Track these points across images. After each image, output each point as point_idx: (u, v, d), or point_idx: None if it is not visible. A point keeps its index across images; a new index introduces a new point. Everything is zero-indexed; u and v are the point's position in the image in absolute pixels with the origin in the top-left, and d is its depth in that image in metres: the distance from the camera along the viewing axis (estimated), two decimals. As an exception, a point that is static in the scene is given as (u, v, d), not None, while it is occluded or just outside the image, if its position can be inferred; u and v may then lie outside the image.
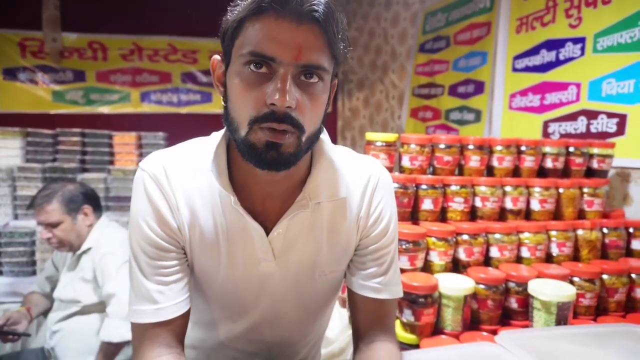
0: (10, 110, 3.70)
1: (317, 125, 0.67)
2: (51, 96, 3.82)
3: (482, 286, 1.18)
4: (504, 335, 0.99)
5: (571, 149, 1.53)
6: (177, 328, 0.72)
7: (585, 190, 1.47)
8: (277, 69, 0.61)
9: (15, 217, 2.63)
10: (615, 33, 1.72)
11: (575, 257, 1.40)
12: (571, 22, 1.93)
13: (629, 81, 1.67)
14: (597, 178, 1.54)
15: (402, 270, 1.18)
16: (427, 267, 1.28)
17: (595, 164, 1.56)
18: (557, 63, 2.00)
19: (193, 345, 0.89)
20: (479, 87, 2.50)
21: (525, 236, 1.34)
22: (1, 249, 2.44)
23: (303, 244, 0.76)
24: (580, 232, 1.40)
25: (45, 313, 1.96)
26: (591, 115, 1.82)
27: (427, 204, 1.35)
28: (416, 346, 1.11)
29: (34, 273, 2.46)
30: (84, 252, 1.83)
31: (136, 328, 0.71)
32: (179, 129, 3.63)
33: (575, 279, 1.25)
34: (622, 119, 1.69)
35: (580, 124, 1.86)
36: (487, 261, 1.34)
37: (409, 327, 1.14)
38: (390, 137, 1.38)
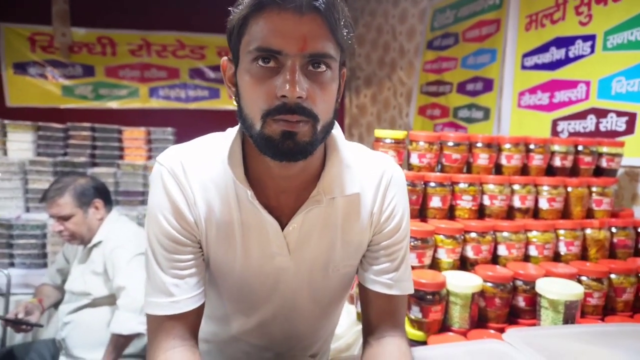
0: (20, 105, 3.74)
1: (330, 113, 0.68)
2: (60, 91, 3.85)
3: (489, 284, 1.19)
4: (512, 333, 1.00)
5: (580, 148, 1.52)
6: (191, 321, 0.74)
7: (594, 189, 1.47)
8: (285, 62, 0.62)
9: (27, 209, 2.66)
10: (626, 31, 1.71)
11: (584, 256, 1.40)
12: (581, 19, 1.92)
13: (639, 79, 1.66)
14: (606, 177, 1.54)
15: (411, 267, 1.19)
16: (435, 265, 1.29)
17: (604, 163, 1.56)
18: (567, 61, 1.99)
19: (206, 339, 0.91)
20: (488, 85, 2.49)
21: (533, 235, 1.35)
22: (13, 241, 2.47)
23: (317, 239, 0.77)
24: (588, 231, 1.40)
25: (56, 305, 1.99)
26: (600, 113, 1.81)
27: (435, 202, 1.35)
28: (423, 343, 1.12)
29: (45, 265, 2.50)
30: (95, 245, 1.86)
31: (152, 320, 0.73)
32: (187, 124, 3.65)
33: (583, 278, 1.25)
34: (631, 118, 1.68)
35: (590, 123, 1.86)
36: (494, 259, 1.34)
37: (416, 323, 1.15)
38: (399, 134, 1.39)
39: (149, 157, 3.00)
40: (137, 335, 1.75)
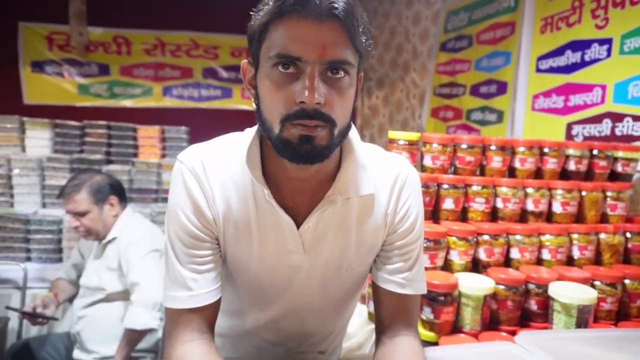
0: (37, 102, 3.81)
1: (348, 118, 0.70)
2: (76, 89, 3.91)
3: (502, 287, 1.19)
4: (524, 335, 1.00)
5: (595, 152, 1.51)
6: (208, 315, 0.75)
7: (609, 193, 1.46)
8: (304, 68, 0.63)
9: (44, 205, 2.72)
10: (644, 35, 1.70)
11: (597, 260, 1.39)
12: (597, 22, 1.90)
13: (657, 84, 1.64)
14: (621, 182, 1.52)
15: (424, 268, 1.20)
16: (447, 266, 1.29)
17: (619, 168, 1.54)
18: (583, 64, 1.97)
19: (220, 333, 0.92)
20: (502, 88, 2.48)
21: (547, 238, 1.34)
22: (30, 236, 2.53)
23: (332, 238, 0.78)
24: (602, 235, 1.39)
25: (70, 299, 2.03)
26: (616, 117, 1.79)
27: (448, 204, 1.36)
28: (435, 344, 1.13)
29: (60, 260, 2.54)
30: (110, 241, 1.89)
31: (170, 313, 0.75)
32: (200, 123, 3.69)
33: (597, 282, 1.24)
34: (648, 123, 1.67)
35: (605, 127, 1.84)
36: (507, 262, 1.34)
37: (428, 324, 1.15)
38: (413, 136, 1.40)
39: (163, 156, 3.04)
40: (150, 331, 1.78)
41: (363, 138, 0.83)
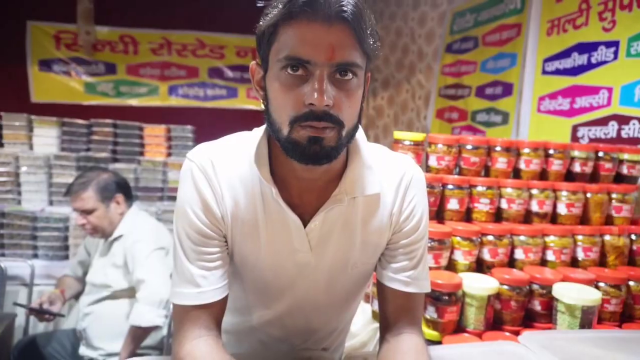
0: (44, 100, 3.84)
1: (355, 119, 0.71)
2: (83, 87, 3.94)
3: (505, 287, 1.19)
4: (527, 335, 1.00)
5: (600, 154, 1.51)
6: (216, 312, 0.76)
7: (614, 195, 1.46)
8: (313, 70, 0.64)
9: (51, 203, 2.74)
10: (651, 37, 1.70)
11: (602, 262, 1.40)
12: (605, 25, 1.90)
13: (664, 87, 1.64)
14: (627, 184, 1.52)
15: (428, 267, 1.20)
16: (451, 266, 1.30)
17: (625, 170, 1.54)
18: (589, 67, 1.97)
19: (225, 330, 0.93)
20: (508, 89, 2.48)
21: (551, 239, 1.35)
22: (37, 233, 2.55)
23: (338, 237, 0.79)
24: (607, 237, 1.39)
25: (77, 296, 2.05)
26: (623, 120, 1.79)
27: (452, 204, 1.36)
28: (438, 343, 1.13)
29: (66, 257, 2.56)
30: (116, 239, 1.91)
31: (178, 309, 0.76)
32: (205, 122, 3.71)
33: (601, 284, 1.25)
34: (654, 125, 1.67)
35: (611, 129, 1.84)
36: (511, 263, 1.35)
37: (431, 323, 1.16)
38: (418, 136, 1.40)
39: (169, 154, 3.06)
40: (155, 328, 1.80)
41: (368, 138, 0.84)
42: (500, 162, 1.43)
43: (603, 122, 1.88)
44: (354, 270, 0.83)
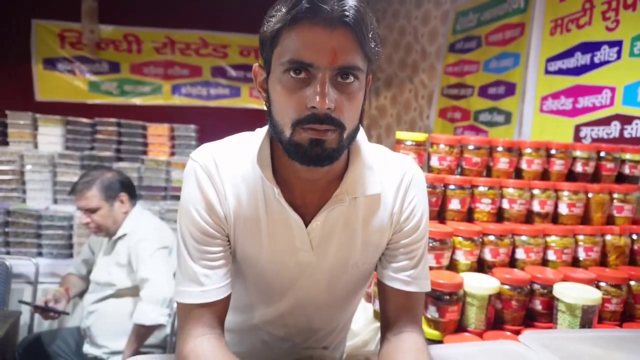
0: (49, 99, 3.86)
1: (356, 121, 0.72)
2: (87, 86, 3.96)
3: (506, 286, 1.20)
4: (528, 335, 1.01)
5: (602, 154, 1.52)
6: (219, 310, 0.77)
7: (616, 195, 1.47)
8: (316, 74, 0.65)
9: (55, 201, 2.76)
10: (654, 37, 1.69)
11: (603, 262, 1.40)
12: (608, 24, 1.90)
13: (667, 87, 1.64)
14: (629, 184, 1.53)
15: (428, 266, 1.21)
16: (452, 266, 1.30)
17: (627, 170, 1.54)
18: (592, 66, 1.97)
19: (227, 328, 0.94)
20: (510, 89, 2.48)
21: (552, 239, 1.35)
22: (42, 231, 2.57)
23: (339, 237, 0.80)
24: (608, 237, 1.40)
25: (81, 294, 2.07)
26: (625, 120, 1.79)
27: (454, 204, 1.37)
28: (439, 342, 1.14)
29: (71, 256, 2.58)
30: (120, 237, 1.92)
31: (182, 308, 0.77)
32: (208, 121, 3.72)
33: (602, 283, 1.25)
34: (657, 125, 1.66)
35: (614, 129, 1.84)
36: (512, 263, 1.35)
37: (433, 323, 1.17)
38: (420, 136, 1.41)
39: (172, 154, 3.08)
40: (159, 326, 1.81)
41: (370, 138, 0.84)
42: (502, 162, 1.43)
43: (606, 122, 1.88)
44: (354, 269, 0.84)
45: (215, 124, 3.71)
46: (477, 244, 1.29)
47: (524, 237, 1.33)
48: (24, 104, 3.42)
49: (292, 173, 0.76)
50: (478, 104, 2.76)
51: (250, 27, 3.99)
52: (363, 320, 1.35)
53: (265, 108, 0.74)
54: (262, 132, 0.79)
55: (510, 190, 1.40)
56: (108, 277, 1.90)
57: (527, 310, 1.23)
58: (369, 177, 0.79)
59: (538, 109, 2.27)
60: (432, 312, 1.16)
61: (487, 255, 1.31)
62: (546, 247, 1.35)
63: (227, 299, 0.79)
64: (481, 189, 1.38)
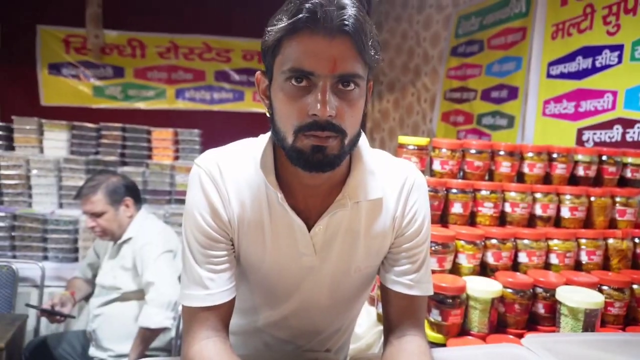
0: (54, 104, 3.90)
1: (357, 127, 0.73)
2: (92, 91, 4.00)
3: (509, 290, 1.20)
4: (531, 338, 1.01)
5: (604, 158, 1.52)
6: (224, 313, 0.79)
7: (618, 199, 1.47)
8: (316, 82, 0.67)
9: (60, 205, 2.78)
10: (655, 41, 1.70)
11: (605, 266, 1.40)
12: (609, 29, 1.91)
13: (668, 90, 1.64)
14: (631, 187, 1.53)
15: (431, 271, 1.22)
16: (455, 270, 1.31)
17: (629, 173, 1.55)
18: (594, 70, 1.98)
19: (231, 331, 0.95)
20: (513, 93, 2.49)
21: (555, 243, 1.36)
22: (47, 235, 2.59)
23: (341, 241, 0.81)
24: (611, 241, 1.40)
25: (86, 298, 2.08)
26: (627, 124, 1.80)
27: (456, 208, 1.38)
28: (442, 345, 1.15)
29: (76, 259, 2.60)
30: (125, 241, 1.93)
31: (187, 311, 0.78)
32: (212, 125, 3.74)
33: (605, 287, 1.25)
34: (659, 129, 1.67)
35: (616, 133, 1.85)
36: (515, 266, 1.36)
37: (436, 326, 1.17)
38: (422, 141, 1.42)
39: (176, 158, 3.10)
40: (164, 330, 1.82)
41: (373, 142, 0.86)
42: (504, 166, 1.44)
43: (608, 125, 1.89)
44: (357, 273, 0.85)
45: (219, 128, 3.74)
46: (480, 248, 1.30)
47: (526, 241, 1.34)
48: (29, 108, 3.46)
49: (295, 178, 0.77)
50: (481, 108, 2.77)
51: (253, 32, 4.01)
52: (367, 324, 1.36)
53: (267, 113, 0.76)
54: (265, 137, 0.81)
55: (513, 194, 1.41)
56: (113, 280, 1.91)
57: (529, 313, 1.23)
58: (370, 182, 0.80)
59: (540, 113, 2.27)
60: (435, 316, 1.17)
61: (490, 259, 1.32)
62: (548, 250, 1.36)
63: (232, 302, 0.80)
64: (483, 192, 1.39)
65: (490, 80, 2.70)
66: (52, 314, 1.86)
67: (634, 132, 1.77)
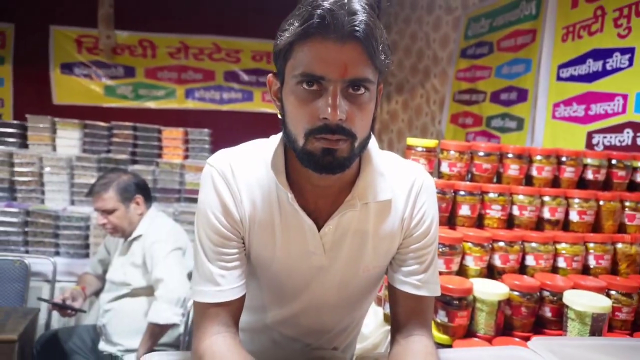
0: (66, 103, 3.95)
1: (367, 130, 0.75)
2: (103, 90, 4.05)
3: (516, 293, 1.21)
4: (537, 341, 1.02)
5: (614, 162, 1.52)
6: (234, 310, 0.80)
7: (627, 203, 1.46)
8: (327, 86, 0.68)
9: (72, 202, 2.82)
10: (667, 44, 1.69)
11: (613, 270, 1.40)
12: (620, 31, 1.90)
13: (680, 95, 1.63)
14: (640, 192, 1.53)
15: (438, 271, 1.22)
16: (462, 272, 1.32)
17: (638, 178, 1.54)
18: (604, 73, 1.97)
19: (240, 328, 0.97)
20: (522, 95, 2.48)
21: (562, 246, 1.35)
22: (59, 231, 2.63)
23: (350, 241, 0.83)
24: (619, 245, 1.40)
25: (97, 293, 2.12)
26: (638, 127, 1.78)
27: (464, 210, 1.38)
28: (449, 347, 1.15)
29: (87, 255, 2.64)
30: (135, 238, 1.97)
31: (198, 306, 0.80)
32: (221, 125, 3.77)
33: (612, 292, 1.25)
34: (670, 133, 1.66)
35: (626, 136, 1.84)
36: (522, 269, 1.36)
37: (442, 327, 1.18)
38: (431, 142, 1.43)
39: (186, 157, 3.13)
40: (173, 326, 1.85)
41: (381, 143, 0.87)
42: (512, 169, 1.45)
43: (618, 129, 1.88)
44: (365, 273, 0.86)
45: (228, 128, 3.76)
46: (487, 250, 1.31)
47: (534, 244, 1.34)
48: (41, 107, 3.51)
49: (305, 179, 0.79)
50: (490, 110, 2.77)
51: (262, 33, 4.04)
52: (373, 324, 1.37)
53: (279, 115, 0.77)
54: (276, 138, 0.82)
55: (521, 197, 1.41)
56: (123, 276, 1.94)
57: (536, 317, 1.24)
58: (380, 184, 0.81)
59: (550, 116, 2.27)
60: (441, 317, 1.17)
61: (497, 262, 1.33)
62: (556, 254, 1.36)
63: (242, 299, 0.82)
64: (491, 195, 1.40)
65: (499, 82, 2.69)
66: (63, 308, 1.89)
67: (644, 136, 1.76)
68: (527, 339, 1.16)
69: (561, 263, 1.36)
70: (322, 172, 0.72)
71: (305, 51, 0.68)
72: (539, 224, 1.45)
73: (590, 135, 2.01)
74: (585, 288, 1.21)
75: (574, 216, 1.43)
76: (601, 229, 1.45)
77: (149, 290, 1.91)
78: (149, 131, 3.07)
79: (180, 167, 2.94)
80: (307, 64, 0.68)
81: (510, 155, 1.45)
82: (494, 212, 1.40)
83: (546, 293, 1.22)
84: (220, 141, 3.07)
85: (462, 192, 1.38)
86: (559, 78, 2.23)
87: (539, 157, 1.46)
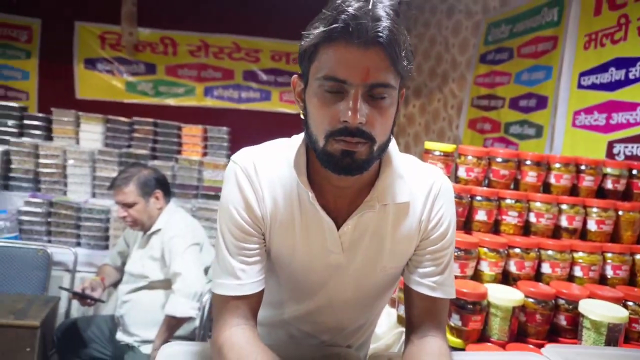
0: (88, 97, 4.05)
1: (387, 134, 0.76)
2: (124, 86, 4.14)
3: (531, 300, 1.21)
4: (551, 348, 1.02)
5: (634, 172, 1.51)
6: (253, 303, 0.83)
7: (647, 214, 1.45)
8: (349, 90, 0.70)
9: (93, 195, 2.90)
10: (693, 55, 1.67)
11: (632, 281, 1.39)
12: (645, 41, 1.88)
13: None
14: (661, 203, 1.51)
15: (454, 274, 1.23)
16: (477, 276, 1.32)
17: (659, 189, 1.53)
18: (627, 82, 1.95)
19: (258, 322, 0.99)
20: (542, 102, 2.46)
21: (579, 255, 1.35)
22: (80, 222, 2.70)
23: (368, 241, 0.84)
24: (638, 256, 1.39)
25: (115, 284, 2.17)
26: (660, 138, 1.77)
27: (481, 215, 1.39)
28: (462, 350, 1.16)
29: (107, 247, 2.71)
30: (154, 232, 2.01)
31: (219, 299, 0.83)
32: (239, 124, 3.82)
33: (630, 303, 1.25)
34: (693, 145, 1.64)
35: (648, 147, 1.82)
36: (538, 276, 1.36)
37: (455, 331, 1.19)
38: (449, 147, 1.44)
39: (205, 154, 3.18)
40: (188, 319, 1.89)
41: (398, 146, 0.88)
42: (530, 176, 1.45)
43: (640, 139, 1.86)
44: (382, 272, 0.88)
45: (246, 127, 3.81)
46: (503, 256, 1.31)
47: (550, 252, 1.34)
48: (64, 101, 3.60)
49: (325, 179, 0.81)
50: (509, 116, 2.75)
51: (281, 33, 4.08)
52: (387, 325, 1.39)
53: (301, 116, 0.80)
54: (298, 138, 0.85)
55: (538, 204, 1.41)
56: (142, 269, 1.99)
57: (551, 324, 1.24)
58: (399, 186, 0.83)
59: (570, 124, 2.25)
60: (455, 320, 1.18)
61: (512, 268, 1.33)
62: (573, 263, 1.35)
63: (261, 294, 0.84)
64: (508, 201, 1.40)
65: (519, 88, 2.68)
66: (83, 297, 1.95)
67: (666, 147, 1.74)
68: (541, 346, 1.16)
69: (578, 272, 1.35)
70: (340, 173, 0.74)
71: (329, 54, 0.70)
72: (556, 231, 1.44)
73: (611, 145, 1.99)
74: (601, 298, 1.21)
75: (592, 225, 1.42)
76: (620, 239, 1.44)
77: (166, 284, 1.95)
78: (169, 127, 3.13)
79: (198, 164, 2.99)
80: (330, 67, 0.70)
81: (528, 162, 1.45)
82: (511, 219, 1.40)
83: (561, 301, 1.22)
84: (238, 139, 3.11)
85: (478, 198, 1.39)
86: (579, 86, 2.21)
87: (557, 165, 1.46)
